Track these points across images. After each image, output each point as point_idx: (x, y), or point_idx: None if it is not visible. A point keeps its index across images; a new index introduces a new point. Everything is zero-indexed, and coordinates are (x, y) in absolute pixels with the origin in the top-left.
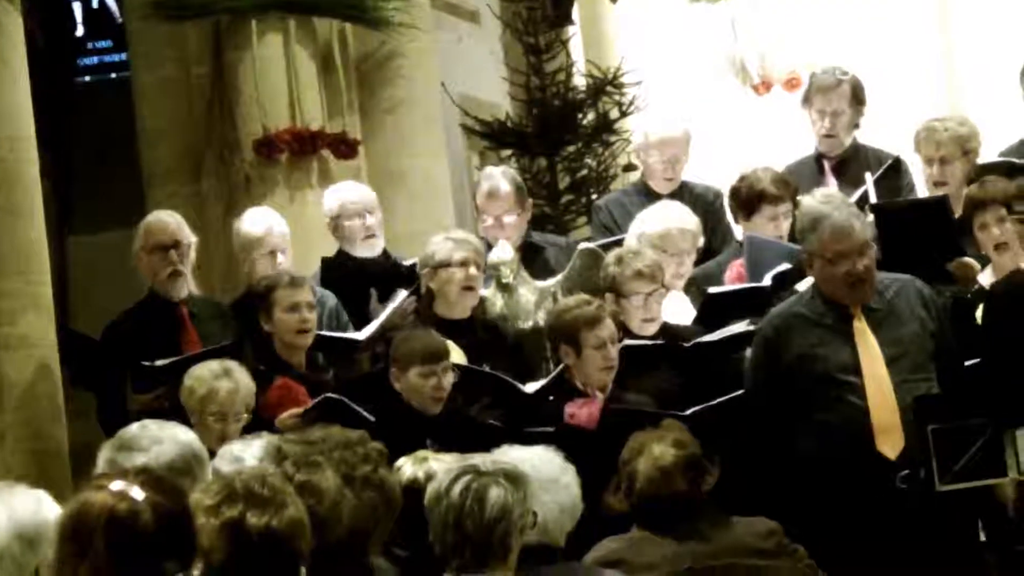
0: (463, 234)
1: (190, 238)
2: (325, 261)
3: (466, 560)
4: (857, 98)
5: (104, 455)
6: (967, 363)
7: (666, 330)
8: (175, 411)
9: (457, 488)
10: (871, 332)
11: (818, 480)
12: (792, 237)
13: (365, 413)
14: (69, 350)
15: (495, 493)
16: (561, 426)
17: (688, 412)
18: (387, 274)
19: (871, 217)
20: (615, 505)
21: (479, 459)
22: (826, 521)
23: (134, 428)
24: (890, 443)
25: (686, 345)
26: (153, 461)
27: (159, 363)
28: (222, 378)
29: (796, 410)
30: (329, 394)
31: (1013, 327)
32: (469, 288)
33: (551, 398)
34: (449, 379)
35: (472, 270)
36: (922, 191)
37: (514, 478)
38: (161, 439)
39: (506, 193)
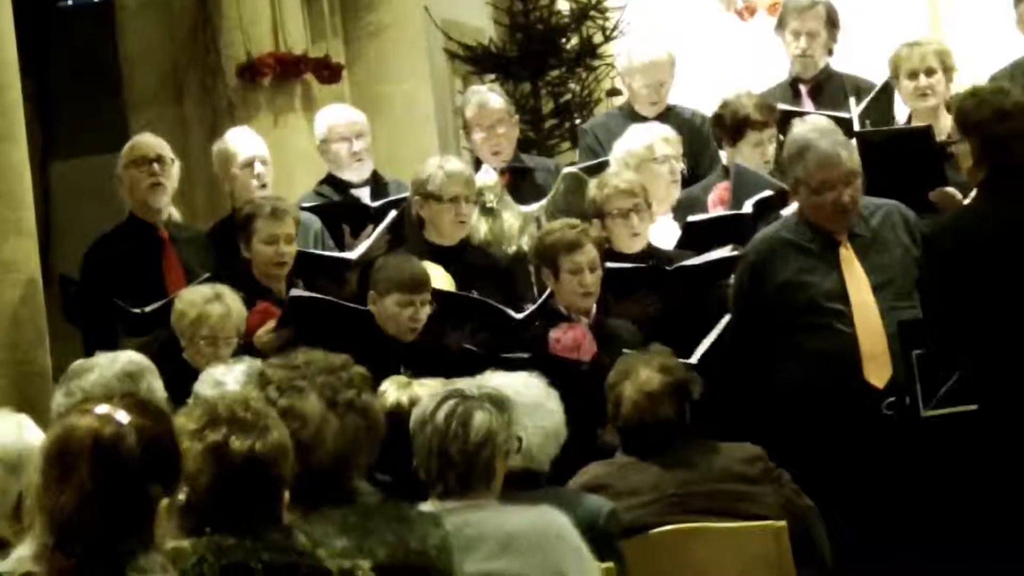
0: (456, 166)
1: (173, 158)
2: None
3: (450, 485)
4: (831, 21)
5: (59, 392)
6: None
7: (652, 252)
8: (167, 350)
9: (442, 413)
10: (857, 259)
11: (803, 407)
12: (778, 162)
13: (335, 300)
14: (65, 294)
15: (480, 418)
16: (541, 354)
17: (694, 360)
18: (356, 213)
19: (854, 142)
20: (613, 440)
21: (464, 384)
22: (811, 448)
23: (78, 360)
24: (877, 371)
25: (668, 269)
26: (107, 371)
27: (148, 309)
28: (213, 302)
29: (781, 336)
30: (295, 292)
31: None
32: (460, 223)
33: (536, 323)
34: (426, 311)
35: (462, 207)
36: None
37: (499, 403)
38: (107, 356)
39: (496, 103)
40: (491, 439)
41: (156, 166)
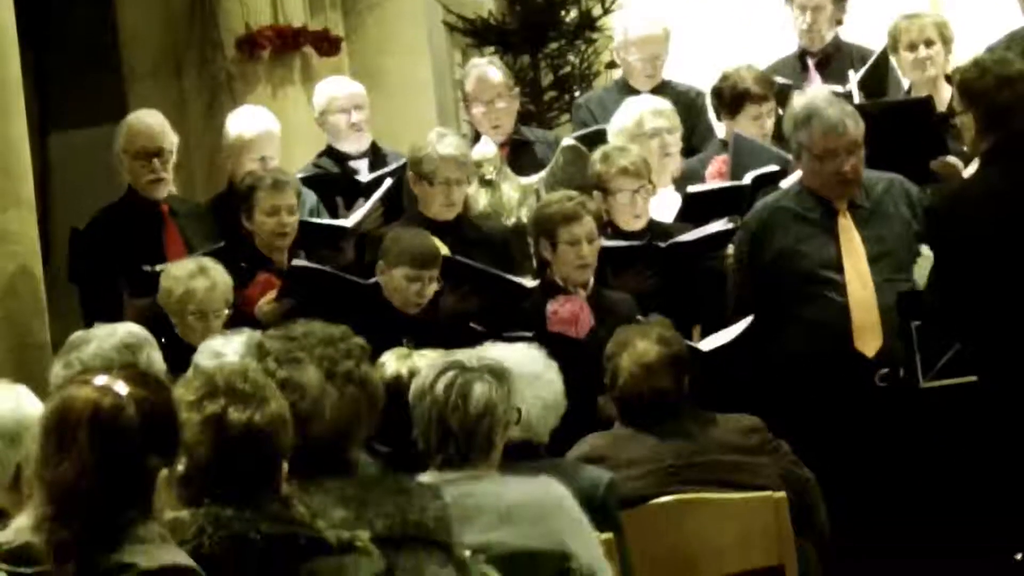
0: (451, 147)
1: (173, 142)
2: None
3: (450, 456)
4: None
5: (57, 363)
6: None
7: (653, 227)
8: (161, 324)
9: (441, 384)
10: (856, 229)
11: (799, 376)
12: (777, 135)
13: (337, 272)
14: (74, 248)
15: (480, 389)
16: (542, 332)
17: (707, 349)
18: (349, 186)
19: None
20: (612, 410)
21: (463, 355)
22: (805, 417)
23: (77, 332)
24: (868, 341)
25: (661, 245)
26: (105, 342)
27: (159, 268)
28: (197, 276)
29: (779, 305)
30: (295, 262)
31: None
32: (449, 205)
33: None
34: (433, 288)
35: (454, 193)
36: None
37: (499, 374)
38: (106, 328)
39: (496, 77)
40: (491, 411)
41: (156, 162)
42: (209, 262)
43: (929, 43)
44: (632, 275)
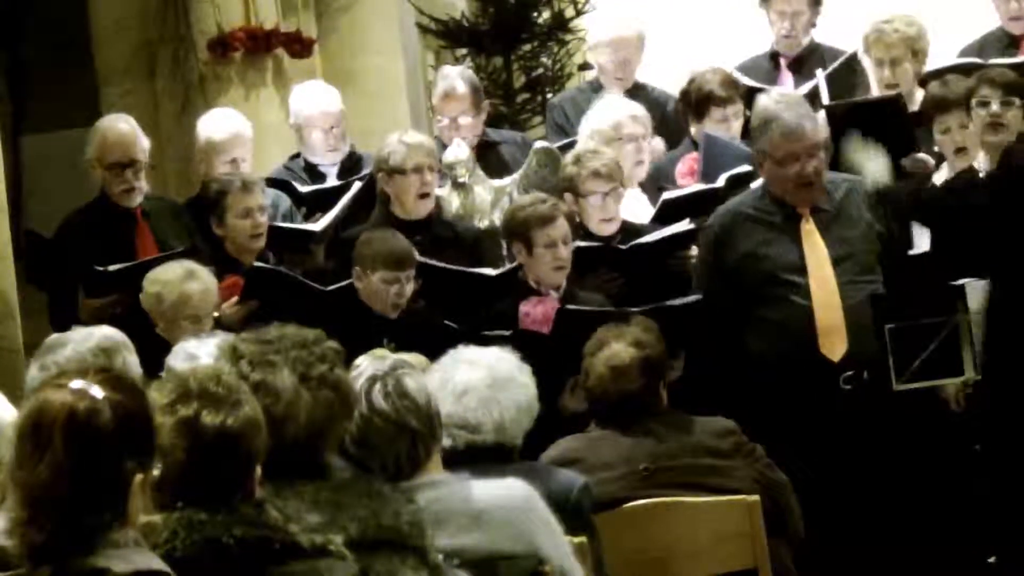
0: (417, 137)
1: (146, 149)
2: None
3: (420, 458)
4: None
5: (33, 366)
6: (912, 253)
7: (625, 229)
8: (130, 316)
9: (378, 397)
10: (818, 233)
11: (764, 378)
12: (745, 136)
13: (296, 276)
14: (30, 250)
15: (412, 383)
16: (518, 331)
17: (637, 310)
18: (317, 198)
19: (822, 114)
20: (571, 406)
21: (369, 369)
22: (772, 420)
23: (53, 335)
24: (833, 345)
25: (623, 247)
26: (81, 345)
27: (112, 268)
28: (189, 280)
29: (743, 308)
30: (256, 264)
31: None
32: (424, 195)
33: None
34: (410, 288)
35: (426, 176)
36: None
37: (405, 363)
38: (82, 332)
39: (462, 94)
40: (432, 398)
41: (129, 172)
42: (195, 265)
43: (896, 62)
44: (597, 278)
